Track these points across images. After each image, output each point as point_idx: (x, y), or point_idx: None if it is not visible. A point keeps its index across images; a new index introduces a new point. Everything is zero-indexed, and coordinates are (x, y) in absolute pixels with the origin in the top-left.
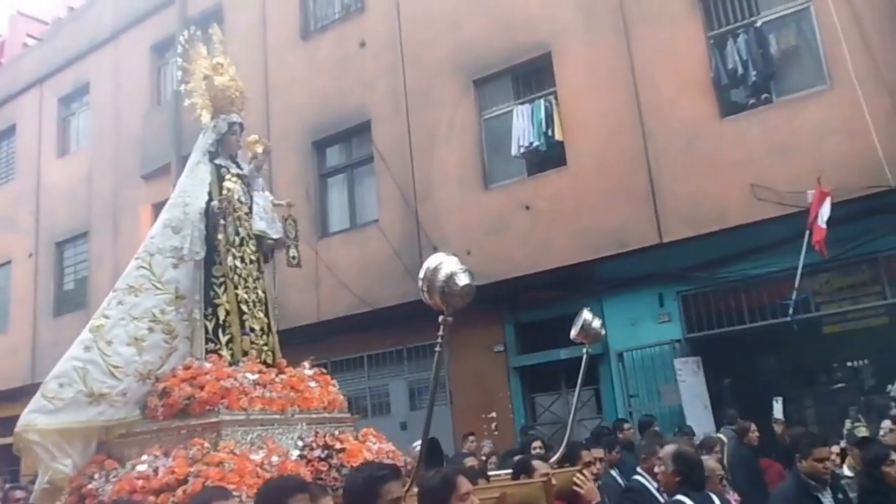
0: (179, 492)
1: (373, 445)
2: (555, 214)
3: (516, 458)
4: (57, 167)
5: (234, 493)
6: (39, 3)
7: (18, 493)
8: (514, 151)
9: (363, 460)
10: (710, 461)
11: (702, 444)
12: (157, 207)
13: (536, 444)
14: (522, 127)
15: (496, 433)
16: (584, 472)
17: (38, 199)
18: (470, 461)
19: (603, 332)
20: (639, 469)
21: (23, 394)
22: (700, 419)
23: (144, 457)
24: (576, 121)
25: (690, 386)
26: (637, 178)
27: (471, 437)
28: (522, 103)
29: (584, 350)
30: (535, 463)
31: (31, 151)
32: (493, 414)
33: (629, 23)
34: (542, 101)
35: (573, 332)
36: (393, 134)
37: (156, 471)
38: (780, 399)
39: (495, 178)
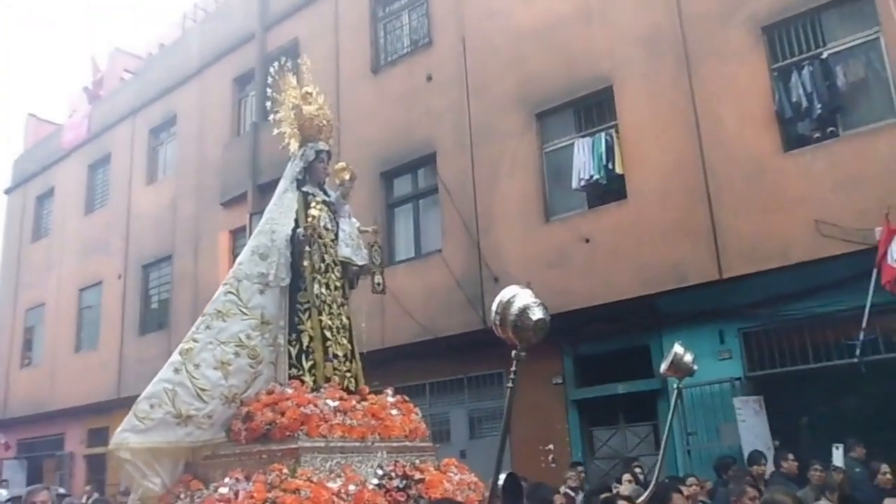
0: None
1: (454, 476)
2: (615, 248)
3: (602, 496)
4: (145, 194)
5: None
6: (135, 40)
7: None
8: (574, 184)
9: (443, 491)
10: None
11: (826, 486)
12: (235, 233)
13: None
14: (583, 160)
15: (553, 465)
16: None
17: (128, 223)
18: (559, 499)
19: (695, 367)
20: None
21: (110, 407)
22: None
23: (227, 480)
24: (636, 154)
25: (751, 426)
26: (698, 212)
27: (580, 468)
28: (584, 136)
29: (676, 385)
30: None
31: (123, 179)
32: (551, 446)
33: (691, 56)
34: (602, 134)
35: (663, 367)
36: (457, 165)
37: (236, 494)
38: (840, 446)
39: (556, 211)
